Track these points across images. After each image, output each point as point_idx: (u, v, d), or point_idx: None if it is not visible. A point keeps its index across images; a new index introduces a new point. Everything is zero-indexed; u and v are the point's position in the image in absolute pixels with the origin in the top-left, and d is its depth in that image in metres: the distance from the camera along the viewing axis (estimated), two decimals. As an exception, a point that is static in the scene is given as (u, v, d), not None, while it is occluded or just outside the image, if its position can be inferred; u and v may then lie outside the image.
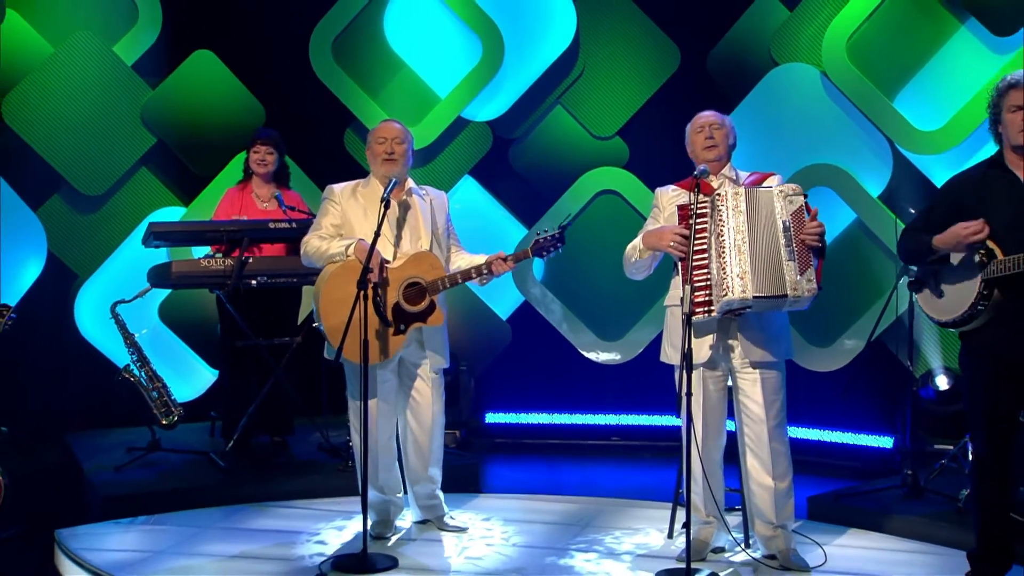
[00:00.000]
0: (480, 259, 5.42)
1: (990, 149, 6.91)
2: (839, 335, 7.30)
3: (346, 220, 5.39)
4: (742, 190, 4.87)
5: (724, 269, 4.76)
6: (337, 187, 5.51)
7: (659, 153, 7.71)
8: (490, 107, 8.25)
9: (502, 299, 8.29)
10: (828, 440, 7.41)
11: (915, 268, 4.85)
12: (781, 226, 4.76)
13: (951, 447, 6.17)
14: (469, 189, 8.37)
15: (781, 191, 4.83)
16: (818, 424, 7.48)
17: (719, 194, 4.88)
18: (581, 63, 8.29)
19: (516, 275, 8.06)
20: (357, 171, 6.96)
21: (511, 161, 8.48)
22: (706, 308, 4.79)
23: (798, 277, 4.72)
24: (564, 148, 8.45)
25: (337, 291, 5.18)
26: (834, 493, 6.11)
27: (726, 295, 4.73)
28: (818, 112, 7.54)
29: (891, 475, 6.29)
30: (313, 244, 5.38)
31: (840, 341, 7.26)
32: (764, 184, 5.03)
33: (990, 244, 4.45)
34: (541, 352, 8.21)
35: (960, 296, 4.55)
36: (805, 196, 4.84)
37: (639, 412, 7.91)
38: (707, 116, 5.24)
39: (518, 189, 8.47)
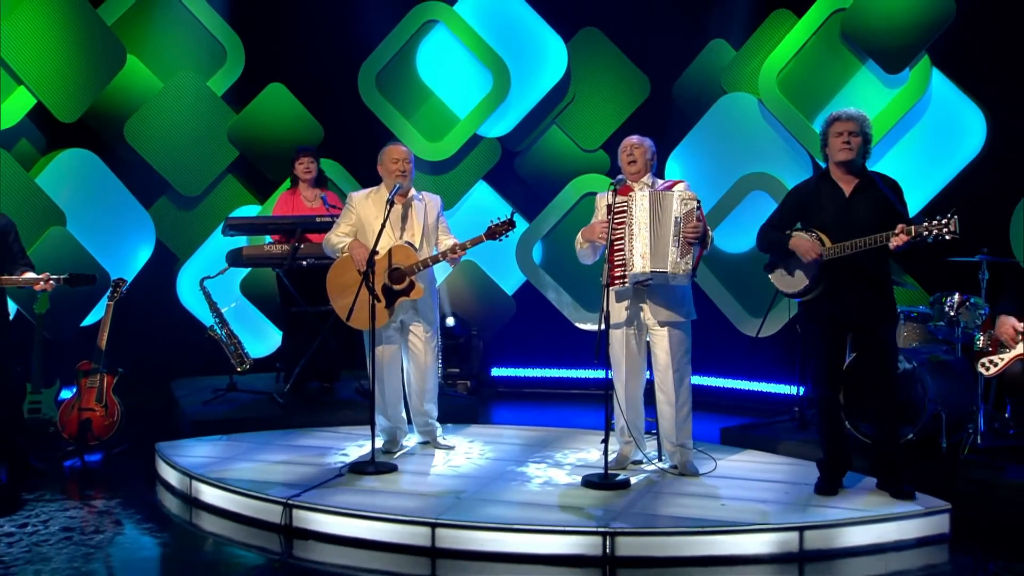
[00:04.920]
0: (451, 243, 6.16)
1: (884, 162, 7.72)
2: (779, 304, 7.86)
3: (361, 219, 6.18)
4: (648, 192, 5.61)
5: (632, 250, 5.56)
6: (356, 194, 6.31)
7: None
8: (499, 126, 8.91)
9: (509, 279, 8.99)
10: (758, 389, 8.30)
11: (769, 255, 5.63)
12: (673, 221, 5.50)
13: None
14: (483, 191, 9.07)
15: (680, 195, 5.54)
16: (746, 377, 8.33)
17: (632, 196, 5.64)
18: (572, 91, 8.94)
19: (520, 259, 8.81)
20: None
21: (516, 169, 9.14)
22: (621, 279, 5.61)
23: (678, 259, 5.48)
24: (558, 159, 9.09)
25: (338, 279, 6.11)
26: (741, 425, 6.99)
27: (632, 269, 5.56)
28: (755, 131, 8.18)
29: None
30: (331, 240, 6.23)
31: (772, 312, 7.89)
32: (674, 190, 5.68)
33: (821, 235, 5.31)
34: (539, 320, 8.93)
35: (803, 275, 5.41)
36: (698, 202, 5.57)
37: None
38: (631, 140, 5.91)
39: (522, 191, 9.10)
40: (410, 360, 6.32)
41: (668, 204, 5.56)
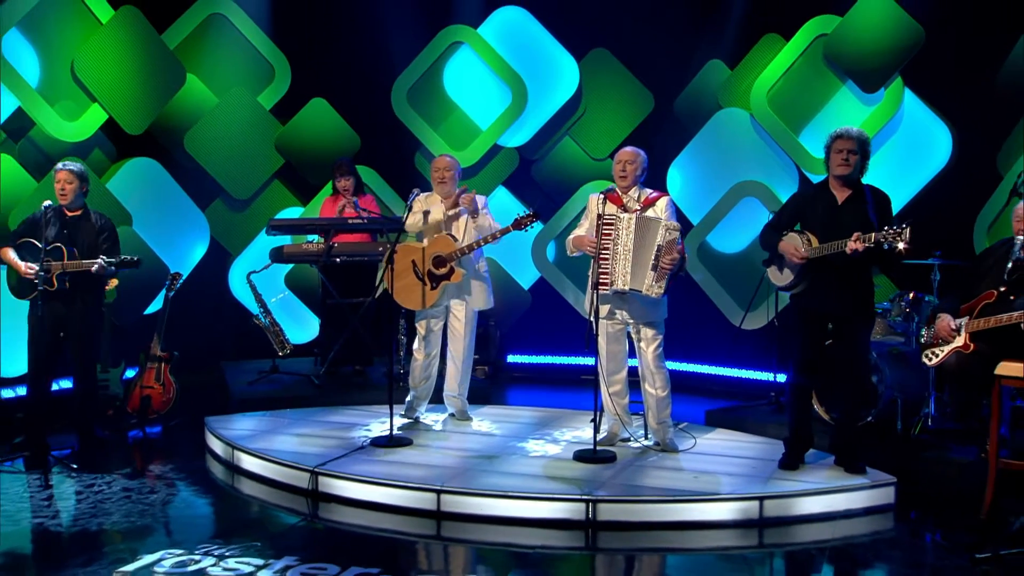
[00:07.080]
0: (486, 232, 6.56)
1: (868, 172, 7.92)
2: (760, 303, 8.14)
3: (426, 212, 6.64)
4: (634, 218, 5.83)
5: (615, 268, 5.86)
6: (416, 198, 6.62)
7: (638, 171, 8.63)
8: (517, 137, 9.18)
9: (525, 274, 9.27)
10: (742, 376, 8.58)
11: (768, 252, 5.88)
12: (655, 247, 5.76)
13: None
14: (502, 196, 9.32)
15: (666, 225, 5.77)
16: (732, 364, 8.62)
17: (621, 217, 5.89)
18: (583, 106, 9.17)
19: (535, 257, 9.09)
20: (423, 182, 8.03)
21: (533, 176, 9.38)
22: (605, 287, 5.91)
23: (652, 283, 5.77)
24: (570, 166, 9.33)
25: (397, 264, 6.51)
26: (723, 408, 7.29)
27: (614, 284, 5.87)
28: (747, 143, 8.43)
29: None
30: (409, 222, 6.61)
31: (760, 308, 8.13)
32: (657, 204, 5.98)
33: (810, 236, 5.55)
34: (551, 312, 9.16)
35: (789, 271, 5.68)
36: (679, 232, 5.82)
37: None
38: (625, 152, 6.10)
39: (537, 196, 9.25)
40: (451, 338, 6.75)
41: (653, 232, 5.79)
